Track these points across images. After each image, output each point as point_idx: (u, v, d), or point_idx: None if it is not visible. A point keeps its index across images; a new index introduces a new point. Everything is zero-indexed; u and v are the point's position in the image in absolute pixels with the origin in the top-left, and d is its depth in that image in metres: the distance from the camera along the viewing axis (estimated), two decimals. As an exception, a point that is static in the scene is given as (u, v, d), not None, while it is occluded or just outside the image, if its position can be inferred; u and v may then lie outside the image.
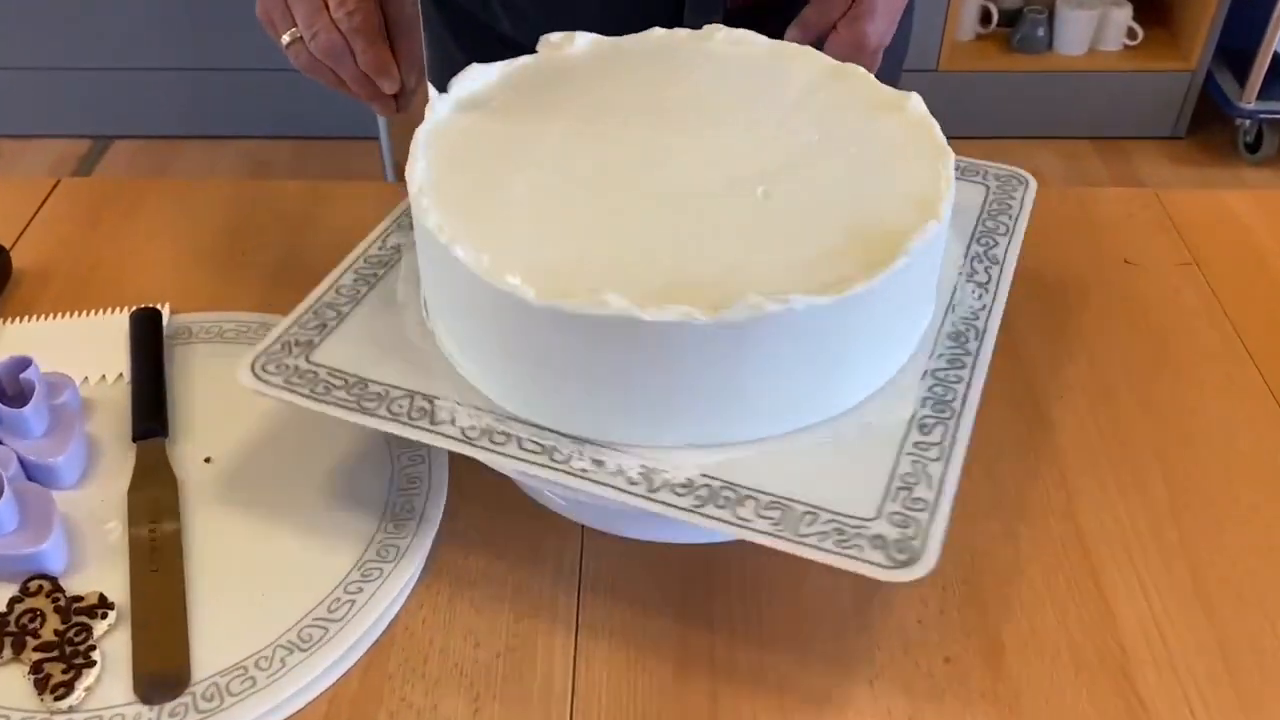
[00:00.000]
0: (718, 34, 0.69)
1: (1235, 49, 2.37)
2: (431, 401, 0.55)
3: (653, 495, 0.51)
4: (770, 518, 0.50)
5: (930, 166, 0.58)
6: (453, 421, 0.55)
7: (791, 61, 0.67)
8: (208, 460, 0.64)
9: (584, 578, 0.58)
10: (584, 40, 0.69)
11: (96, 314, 0.74)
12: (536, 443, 0.53)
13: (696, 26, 0.70)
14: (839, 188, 0.58)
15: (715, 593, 0.57)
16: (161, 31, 2.34)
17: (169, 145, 2.47)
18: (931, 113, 0.63)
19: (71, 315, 0.74)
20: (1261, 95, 2.34)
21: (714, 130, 0.62)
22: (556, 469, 0.52)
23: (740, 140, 0.61)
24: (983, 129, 2.43)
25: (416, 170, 0.58)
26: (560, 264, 0.53)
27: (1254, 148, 2.43)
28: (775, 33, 0.70)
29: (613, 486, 0.51)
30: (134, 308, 0.73)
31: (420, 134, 0.60)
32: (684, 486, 0.51)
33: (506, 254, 0.53)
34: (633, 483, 0.52)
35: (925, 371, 0.57)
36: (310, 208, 0.84)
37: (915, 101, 0.63)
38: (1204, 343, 0.73)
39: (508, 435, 0.54)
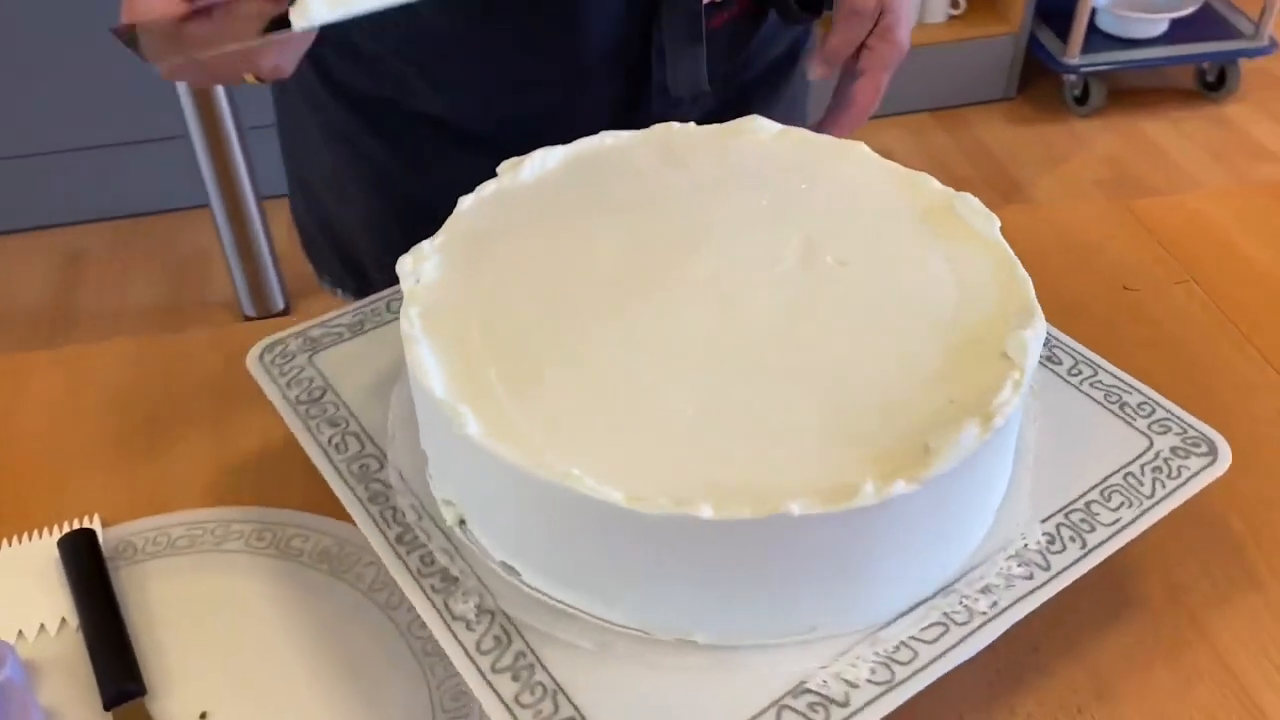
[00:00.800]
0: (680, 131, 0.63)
1: (1054, 9, 2.43)
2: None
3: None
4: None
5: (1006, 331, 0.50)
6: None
7: (800, 160, 0.61)
8: (204, 716, 0.53)
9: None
10: (552, 159, 0.60)
11: (10, 544, 0.61)
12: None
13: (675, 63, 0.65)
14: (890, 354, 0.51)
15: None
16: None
17: (-34, 248, 2.23)
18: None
19: (-23, 549, 0.61)
20: (1084, 50, 2.41)
21: (739, 276, 0.54)
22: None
23: (774, 292, 0.54)
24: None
25: (427, 367, 0.49)
26: (622, 459, 0.46)
27: (1082, 100, 2.50)
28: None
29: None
30: (59, 528, 0.61)
31: (414, 317, 0.51)
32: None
33: (557, 449, 0.46)
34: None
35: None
36: (234, 356, 0.73)
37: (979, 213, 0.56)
38: (1231, 366, 0.70)
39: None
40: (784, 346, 0.51)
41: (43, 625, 0.57)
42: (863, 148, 0.62)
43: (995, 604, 0.48)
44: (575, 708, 0.44)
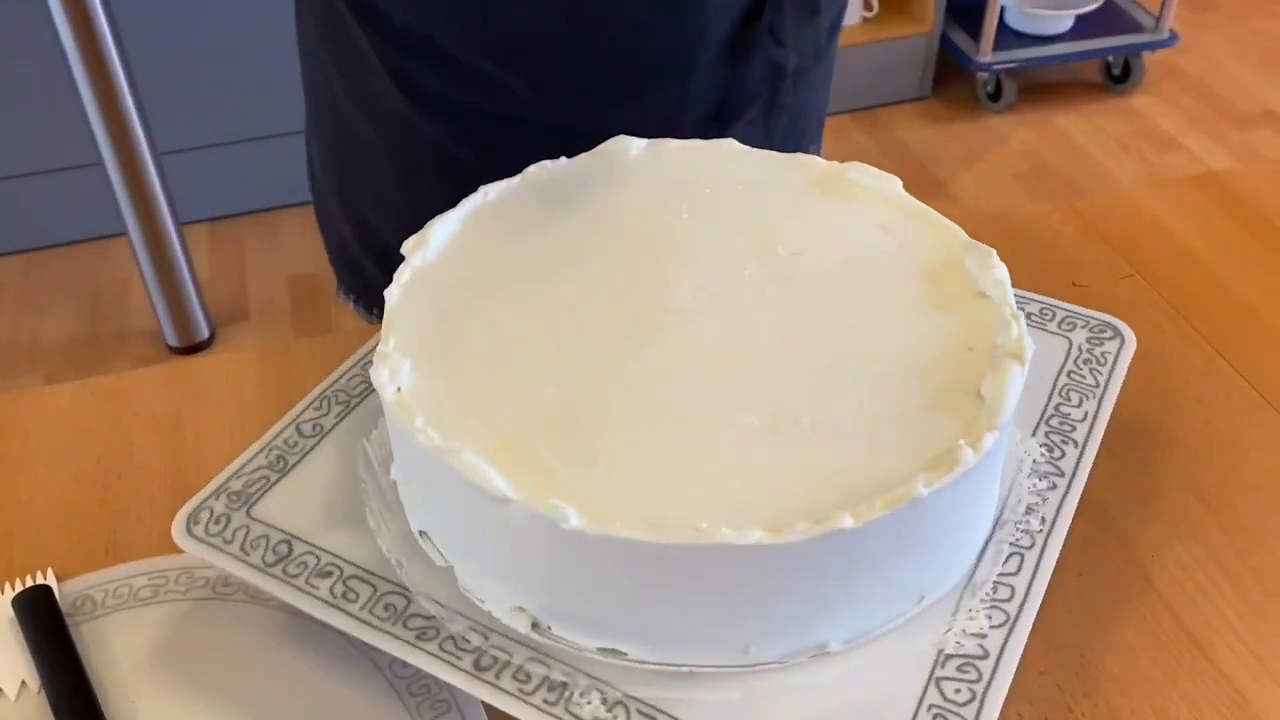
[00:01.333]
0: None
1: (964, 8, 2.48)
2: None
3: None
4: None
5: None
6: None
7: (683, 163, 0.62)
8: (182, 775, 0.51)
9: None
10: (513, 186, 0.60)
11: (-41, 605, 0.58)
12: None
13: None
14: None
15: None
16: None
17: None
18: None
19: (-77, 612, 0.58)
20: (996, 48, 2.46)
21: (718, 289, 0.55)
22: None
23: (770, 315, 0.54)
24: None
25: (484, 471, 0.46)
26: (686, 499, 0.45)
27: (995, 97, 2.56)
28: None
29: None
30: (10, 586, 0.58)
31: (423, 427, 0.48)
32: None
33: (625, 505, 0.45)
34: None
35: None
36: (184, 392, 0.70)
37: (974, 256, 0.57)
38: (1181, 357, 0.72)
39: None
40: (793, 347, 0.52)
41: (1, 690, 0.54)
42: (731, 143, 0.64)
43: (1044, 519, 0.52)
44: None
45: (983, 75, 2.53)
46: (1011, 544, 0.51)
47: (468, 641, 0.47)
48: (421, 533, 0.52)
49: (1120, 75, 2.60)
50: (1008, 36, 2.51)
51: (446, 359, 0.52)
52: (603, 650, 0.47)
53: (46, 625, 0.56)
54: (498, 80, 0.74)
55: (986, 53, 2.46)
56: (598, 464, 0.46)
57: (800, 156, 0.63)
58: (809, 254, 0.57)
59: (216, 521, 0.53)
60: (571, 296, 0.55)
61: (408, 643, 0.48)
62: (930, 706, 0.44)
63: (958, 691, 0.45)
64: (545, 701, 0.45)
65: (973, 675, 0.45)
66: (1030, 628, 0.48)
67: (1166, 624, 0.56)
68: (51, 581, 0.58)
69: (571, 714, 0.44)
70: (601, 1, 0.71)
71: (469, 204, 0.59)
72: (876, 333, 0.53)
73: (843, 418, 0.48)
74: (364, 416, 0.58)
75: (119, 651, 0.56)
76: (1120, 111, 2.56)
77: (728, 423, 0.48)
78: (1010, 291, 0.54)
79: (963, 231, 0.58)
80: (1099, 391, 0.59)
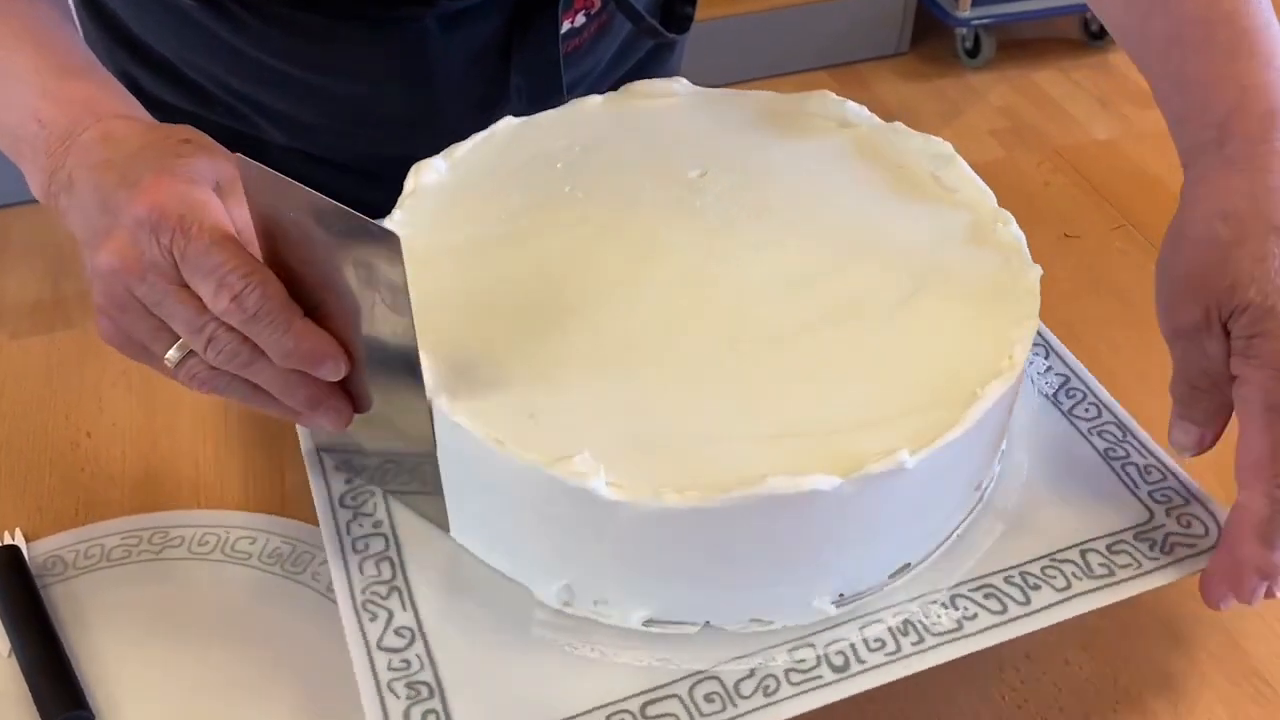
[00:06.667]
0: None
1: (944, -38, 2.45)
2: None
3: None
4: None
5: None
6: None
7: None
8: (160, 738, 0.49)
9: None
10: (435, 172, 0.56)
11: (-76, 566, 0.56)
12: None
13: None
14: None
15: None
16: None
17: None
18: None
19: (-114, 575, 0.56)
20: (974, 3, 2.43)
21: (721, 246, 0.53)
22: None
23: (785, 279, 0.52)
24: (733, 74, 2.41)
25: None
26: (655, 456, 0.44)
27: (973, 53, 2.53)
28: None
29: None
30: (-23, 547, 0.56)
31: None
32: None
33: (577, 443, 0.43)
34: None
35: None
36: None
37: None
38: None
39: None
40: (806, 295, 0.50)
41: (-29, 653, 0.52)
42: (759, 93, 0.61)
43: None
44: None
45: (961, 31, 2.50)
46: None
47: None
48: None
49: (1099, 31, 2.58)
50: (986, -9, 2.48)
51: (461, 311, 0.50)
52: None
53: (16, 586, 0.54)
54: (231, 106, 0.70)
55: (965, 7, 2.43)
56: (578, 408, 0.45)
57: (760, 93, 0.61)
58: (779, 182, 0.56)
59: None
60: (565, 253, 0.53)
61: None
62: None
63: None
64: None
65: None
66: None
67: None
68: (20, 542, 0.56)
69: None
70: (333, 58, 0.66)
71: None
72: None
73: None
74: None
75: (92, 612, 0.54)
76: (1099, 67, 2.54)
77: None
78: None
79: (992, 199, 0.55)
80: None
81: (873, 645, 0.45)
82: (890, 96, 2.48)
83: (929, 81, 2.53)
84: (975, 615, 0.46)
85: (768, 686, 0.43)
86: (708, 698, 0.43)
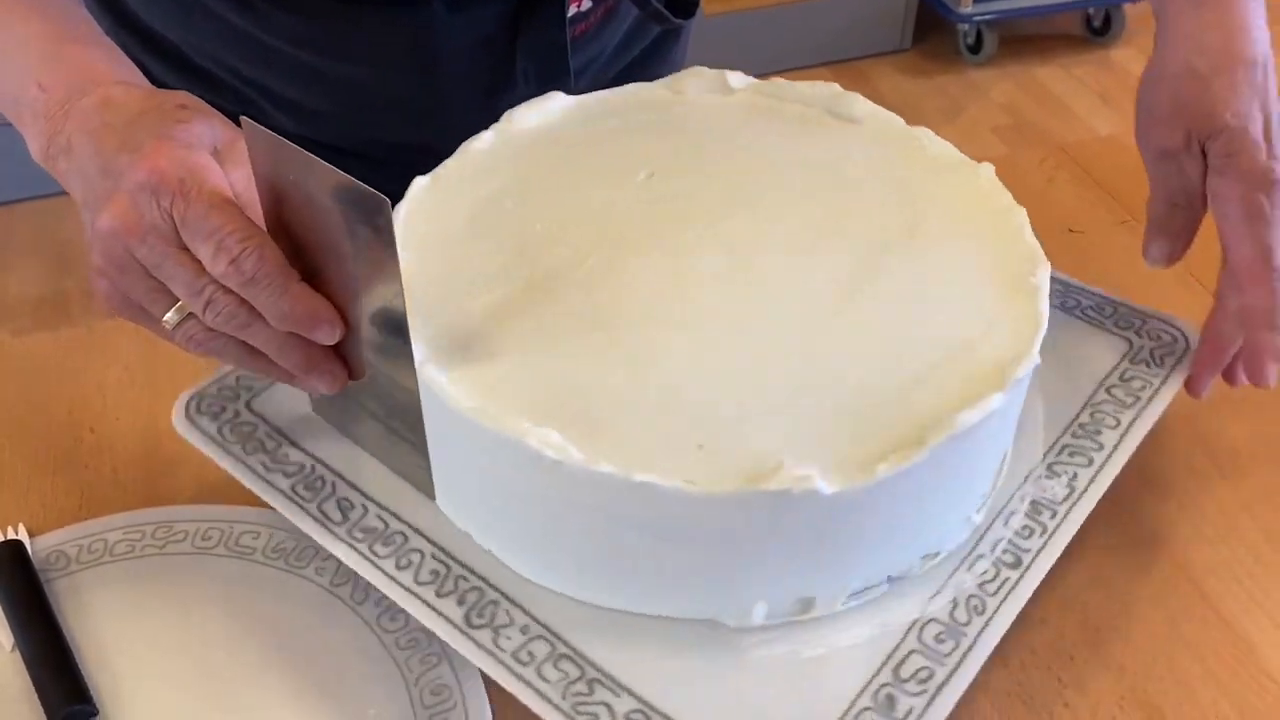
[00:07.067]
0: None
1: (946, -42, 2.45)
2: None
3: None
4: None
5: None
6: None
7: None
8: (165, 733, 0.49)
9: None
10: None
11: (-73, 561, 0.56)
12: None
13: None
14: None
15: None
16: None
17: None
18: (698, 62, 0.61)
19: (-110, 570, 0.55)
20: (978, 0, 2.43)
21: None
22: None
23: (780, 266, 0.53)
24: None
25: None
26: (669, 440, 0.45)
27: (976, 49, 2.53)
28: None
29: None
30: (-20, 542, 0.56)
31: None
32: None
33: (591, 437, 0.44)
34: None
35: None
36: (156, 343, 0.68)
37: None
38: (1180, 302, 0.70)
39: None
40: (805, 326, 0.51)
41: (-26, 648, 0.52)
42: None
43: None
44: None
45: (963, 27, 2.50)
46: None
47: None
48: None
49: (1101, 27, 2.58)
50: (988, -13, 2.48)
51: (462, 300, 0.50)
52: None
53: (19, 581, 0.54)
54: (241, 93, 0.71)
55: (968, 4, 2.43)
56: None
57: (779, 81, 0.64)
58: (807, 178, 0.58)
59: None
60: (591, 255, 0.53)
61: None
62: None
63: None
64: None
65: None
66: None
67: (1169, 573, 0.56)
68: (24, 537, 0.56)
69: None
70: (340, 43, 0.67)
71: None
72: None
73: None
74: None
75: (95, 607, 0.54)
76: (1101, 63, 2.54)
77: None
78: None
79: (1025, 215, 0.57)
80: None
81: (1024, 535, 0.50)
82: (892, 93, 2.48)
83: (931, 78, 2.53)
84: (1075, 474, 0.52)
85: (975, 607, 0.47)
86: (938, 638, 0.46)
